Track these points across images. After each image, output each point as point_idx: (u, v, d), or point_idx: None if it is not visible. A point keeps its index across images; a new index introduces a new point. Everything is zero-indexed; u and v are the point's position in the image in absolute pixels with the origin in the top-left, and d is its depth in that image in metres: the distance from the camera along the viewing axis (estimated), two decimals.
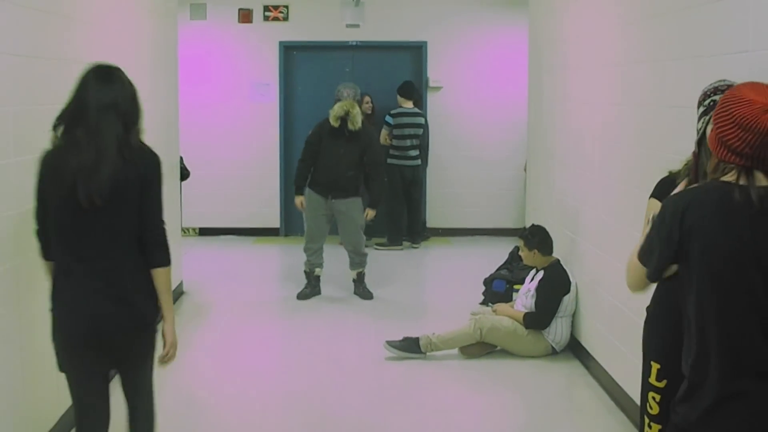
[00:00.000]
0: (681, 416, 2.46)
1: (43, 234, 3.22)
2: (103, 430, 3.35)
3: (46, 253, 3.24)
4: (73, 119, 3.08)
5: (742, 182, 2.31)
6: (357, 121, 7.09)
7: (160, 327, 3.27)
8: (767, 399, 2.30)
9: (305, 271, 7.44)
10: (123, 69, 3.22)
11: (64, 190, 3.03)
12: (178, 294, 7.17)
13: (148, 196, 3.12)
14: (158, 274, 3.18)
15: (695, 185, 2.51)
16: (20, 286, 3.87)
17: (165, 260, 3.20)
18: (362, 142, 7.18)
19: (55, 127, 3.12)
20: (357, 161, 7.19)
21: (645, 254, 2.51)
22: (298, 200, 7.33)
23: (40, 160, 3.14)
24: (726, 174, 2.35)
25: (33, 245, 3.98)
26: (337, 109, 7.09)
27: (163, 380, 4.06)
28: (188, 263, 7.89)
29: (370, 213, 7.40)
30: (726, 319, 2.33)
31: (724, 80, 2.95)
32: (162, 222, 3.19)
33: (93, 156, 3.01)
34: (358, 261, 7.45)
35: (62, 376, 3.28)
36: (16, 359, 3.83)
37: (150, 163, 3.15)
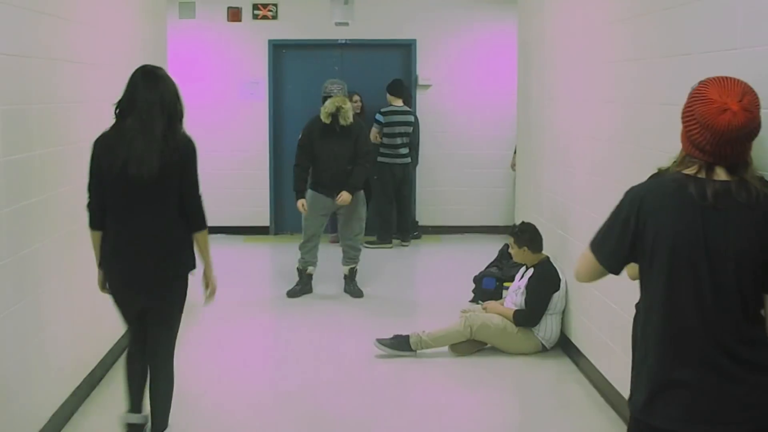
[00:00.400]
0: (632, 403, 2.50)
1: (94, 204, 3.84)
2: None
3: (95, 222, 3.86)
4: (125, 111, 3.73)
5: (700, 176, 2.36)
6: (348, 116, 7.08)
7: (188, 280, 3.99)
8: (706, 388, 2.33)
9: (298, 269, 7.43)
10: (163, 68, 3.89)
11: (117, 170, 3.69)
12: None
13: (187, 174, 3.82)
14: (198, 236, 3.93)
15: (656, 177, 2.57)
16: (17, 283, 3.86)
17: (202, 225, 3.93)
18: (354, 134, 7.16)
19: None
20: (353, 154, 7.16)
21: (596, 242, 2.54)
22: (300, 203, 7.18)
23: (95, 141, 3.80)
24: (689, 167, 2.39)
25: (31, 242, 4.01)
26: (329, 106, 7.07)
27: None
28: None
29: (345, 196, 7.06)
30: (669, 307, 2.37)
31: None
32: (199, 195, 3.89)
33: (142, 146, 3.66)
34: (352, 255, 7.43)
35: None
36: (16, 357, 3.84)
37: (188, 148, 3.84)
